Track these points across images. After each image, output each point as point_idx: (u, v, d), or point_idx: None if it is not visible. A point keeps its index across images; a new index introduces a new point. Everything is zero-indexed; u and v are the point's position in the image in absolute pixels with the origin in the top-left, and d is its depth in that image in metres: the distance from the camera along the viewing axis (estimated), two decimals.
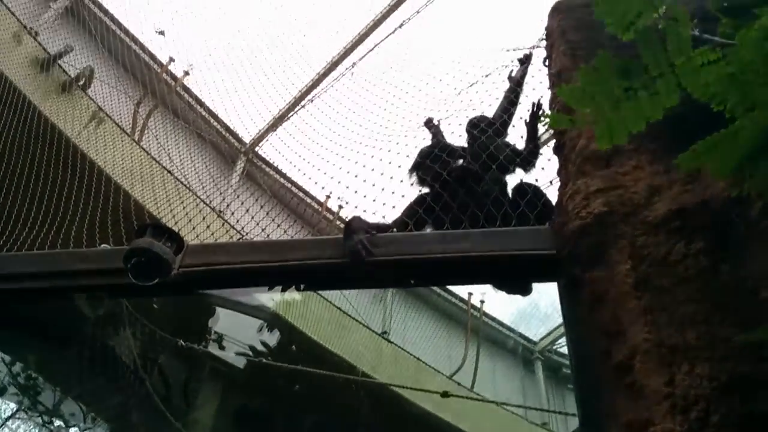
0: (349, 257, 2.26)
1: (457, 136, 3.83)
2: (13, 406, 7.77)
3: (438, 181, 3.18)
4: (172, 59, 8.43)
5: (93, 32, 7.75)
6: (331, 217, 8.78)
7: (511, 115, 3.62)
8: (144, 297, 5.68)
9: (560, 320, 11.51)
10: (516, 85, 3.74)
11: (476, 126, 3.58)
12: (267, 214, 4.03)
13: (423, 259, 2.22)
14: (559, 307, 2.12)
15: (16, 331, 7.14)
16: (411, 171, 3.47)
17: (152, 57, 8.41)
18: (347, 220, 2.61)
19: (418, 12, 7.16)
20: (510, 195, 3.11)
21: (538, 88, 3.55)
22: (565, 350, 12.06)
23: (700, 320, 1.50)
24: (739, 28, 1.36)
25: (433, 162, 3.31)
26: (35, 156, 5.12)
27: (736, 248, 1.55)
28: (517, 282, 2.82)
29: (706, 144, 1.32)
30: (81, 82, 7.13)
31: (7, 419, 7.66)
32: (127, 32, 8.27)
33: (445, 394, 6.54)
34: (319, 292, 7.81)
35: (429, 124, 4.23)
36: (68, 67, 7.15)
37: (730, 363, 1.42)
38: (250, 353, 8.27)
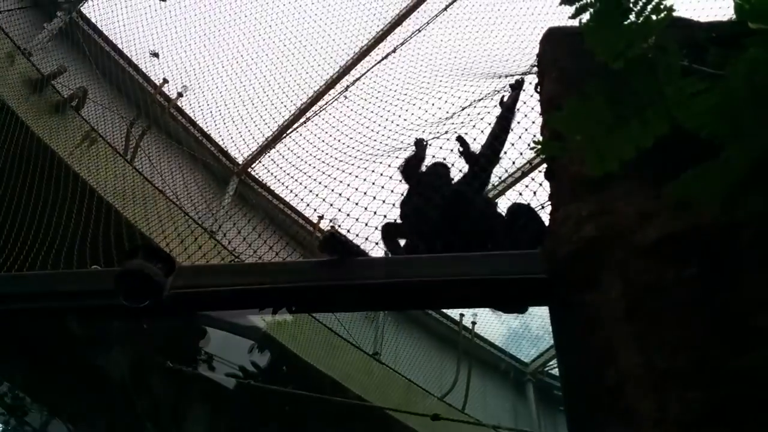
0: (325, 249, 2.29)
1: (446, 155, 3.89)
2: None
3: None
4: (165, 81, 8.45)
5: (87, 53, 7.77)
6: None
7: (502, 142, 3.65)
8: (135, 319, 5.65)
9: (551, 342, 11.50)
10: (507, 111, 3.78)
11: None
12: (259, 236, 4.03)
13: (414, 283, 2.22)
14: (550, 329, 2.12)
15: (3, 351, 7.07)
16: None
17: (146, 78, 8.44)
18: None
19: (411, 37, 7.23)
20: (503, 216, 3.13)
21: (529, 114, 3.60)
22: (556, 372, 12.03)
23: (692, 345, 1.51)
24: (728, 58, 1.39)
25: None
26: (27, 176, 5.11)
27: (728, 274, 1.56)
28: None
29: (696, 173, 1.34)
30: (74, 103, 7.14)
31: None
32: (121, 53, 8.30)
33: (435, 417, 6.52)
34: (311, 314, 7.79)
35: (419, 144, 4.27)
36: (61, 88, 7.16)
37: (722, 388, 1.42)
38: (241, 374, 8.21)
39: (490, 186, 3.83)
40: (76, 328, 6.75)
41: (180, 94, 8.40)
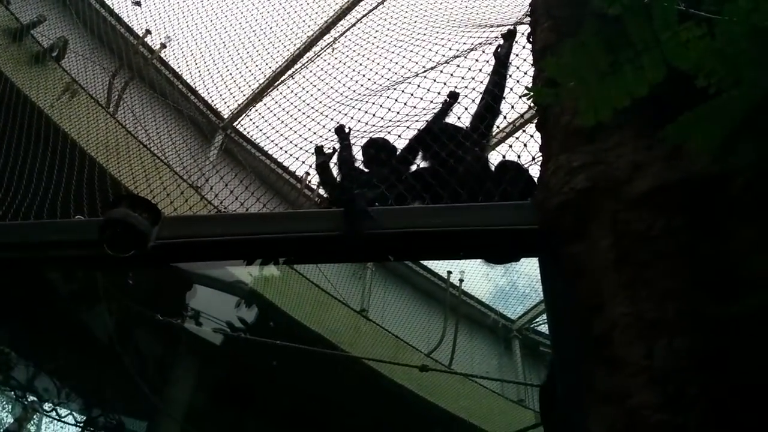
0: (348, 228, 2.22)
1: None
2: None
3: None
4: (148, 31, 8.24)
5: (67, 2, 7.56)
6: (310, 194, 8.72)
7: (502, 88, 3.60)
8: (119, 269, 5.61)
9: (538, 299, 11.65)
10: (502, 61, 3.72)
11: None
12: (251, 194, 3.97)
13: (404, 233, 2.20)
14: (536, 286, 2.14)
15: None
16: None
17: (128, 29, 8.22)
18: None
19: None
20: (492, 172, 3.12)
21: (521, 66, 3.55)
22: (542, 329, 12.19)
23: (680, 295, 1.51)
24: (722, 4, 1.35)
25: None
26: (7, 127, 5.00)
27: (717, 224, 1.55)
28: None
29: (693, 116, 1.32)
30: (54, 54, 6.97)
31: None
32: (101, 2, 8.07)
33: (423, 368, 6.61)
34: (298, 269, 7.78)
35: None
36: (41, 38, 6.98)
37: (708, 337, 1.43)
38: (228, 329, 8.24)
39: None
40: (60, 283, 6.72)
41: (163, 45, 8.19)
